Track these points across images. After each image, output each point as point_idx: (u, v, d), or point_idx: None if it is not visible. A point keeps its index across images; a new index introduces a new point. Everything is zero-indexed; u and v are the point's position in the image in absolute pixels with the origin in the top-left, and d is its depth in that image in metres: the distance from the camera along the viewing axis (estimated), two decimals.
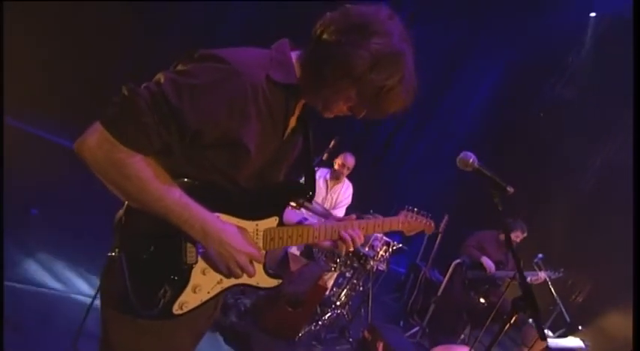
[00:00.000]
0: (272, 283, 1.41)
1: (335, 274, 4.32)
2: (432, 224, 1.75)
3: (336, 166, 4.47)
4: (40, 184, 3.71)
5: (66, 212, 3.76)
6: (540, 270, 4.81)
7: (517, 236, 4.96)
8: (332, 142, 3.68)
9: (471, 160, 1.48)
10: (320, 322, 3.90)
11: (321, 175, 4.57)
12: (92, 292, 2.93)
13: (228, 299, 3.41)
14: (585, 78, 6.97)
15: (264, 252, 1.35)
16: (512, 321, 1.55)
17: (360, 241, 1.49)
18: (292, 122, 1.33)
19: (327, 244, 1.49)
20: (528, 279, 4.81)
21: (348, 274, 4.24)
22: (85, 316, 1.27)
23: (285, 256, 4.16)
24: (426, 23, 6.55)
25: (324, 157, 3.68)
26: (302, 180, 1.45)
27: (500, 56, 7.48)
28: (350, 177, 4.65)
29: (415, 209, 1.73)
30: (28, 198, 3.49)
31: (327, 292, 4.33)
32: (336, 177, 4.52)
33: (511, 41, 7.18)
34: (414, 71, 1.21)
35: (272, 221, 1.36)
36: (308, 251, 4.15)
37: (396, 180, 7.80)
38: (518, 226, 4.92)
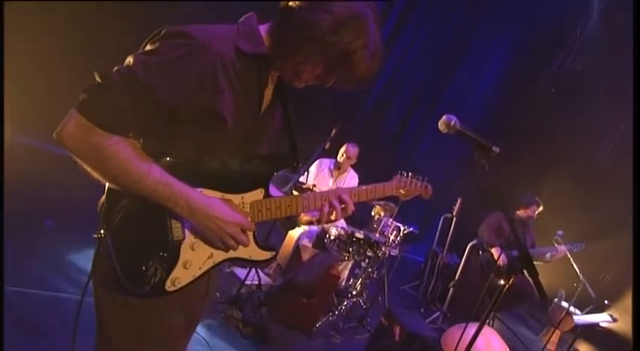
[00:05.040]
0: (265, 255, 1.41)
1: (350, 264, 4.31)
2: (429, 188, 1.73)
3: (338, 157, 4.47)
4: (55, 195, 3.79)
5: (82, 221, 3.84)
6: (559, 245, 4.73)
7: (534, 211, 4.96)
8: (333, 131, 3.67)
9: (453, 122, 1.46)
10: (337, 312, 3.90)
11: (326, 165, 4.57)
12: None
13: (242, 293, 3.43)
14: (595, 49, 6.83)
15: (253, 224, 1.36)
16: (510, 282, 1.54)
17: (350, 209, 1.48)
18: (268, 95, 1.34)
19: (308, 217, 1.48)
20: (547, 255, 4.74)
21: (363, 264, 4.23)
22: (78, 307, 1.30)
23: (297, 249, 4.18)
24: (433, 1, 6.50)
25: (327, 146, 3.66)
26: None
27: (509, 33, 7.39)
28: (358, 165, 4.64)
29: (410, 174, 1.72)
30: (42, 210, 3.58)
31: (344, 283, 4.33)
32: (338, 167, 4.53)
33: (518, 17, 7.09)
34: (379, 37, 1.22)
35: (257, 193, 1.37)
36: (319, 242, 4.15)
37: (408, 166, 7.76)
38: (533, 200, 4.90)
